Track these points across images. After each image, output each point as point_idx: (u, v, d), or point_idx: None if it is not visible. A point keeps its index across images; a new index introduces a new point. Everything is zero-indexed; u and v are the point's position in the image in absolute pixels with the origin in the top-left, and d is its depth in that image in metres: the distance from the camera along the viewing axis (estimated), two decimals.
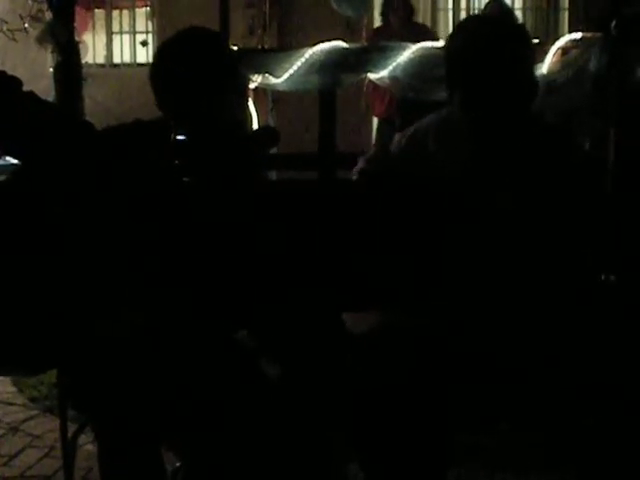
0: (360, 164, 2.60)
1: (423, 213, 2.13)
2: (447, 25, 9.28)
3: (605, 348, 2.20)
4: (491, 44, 2.23)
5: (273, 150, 2.41)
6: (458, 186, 2.18)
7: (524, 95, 2.26)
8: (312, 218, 2.14)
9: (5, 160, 2.36)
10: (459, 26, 2.45)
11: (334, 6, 7.08)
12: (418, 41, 5.63)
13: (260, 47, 8.38)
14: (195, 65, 2.26)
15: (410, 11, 7.14)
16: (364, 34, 7.77)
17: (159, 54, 2.34)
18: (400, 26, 6.89)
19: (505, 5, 6.64)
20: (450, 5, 9.36)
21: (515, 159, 2.23)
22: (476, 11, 9.15)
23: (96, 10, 10.38)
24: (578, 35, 5.55)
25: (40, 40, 4.65)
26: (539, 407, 2.20)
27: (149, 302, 2.12)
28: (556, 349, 2.16)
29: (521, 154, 2.24)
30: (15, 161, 2.20)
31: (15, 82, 2.16)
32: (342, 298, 2.18)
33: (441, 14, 9.59)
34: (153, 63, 2.32)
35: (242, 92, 2.46)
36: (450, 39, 2.35)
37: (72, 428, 2.82)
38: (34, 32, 5.13)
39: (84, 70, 4.37)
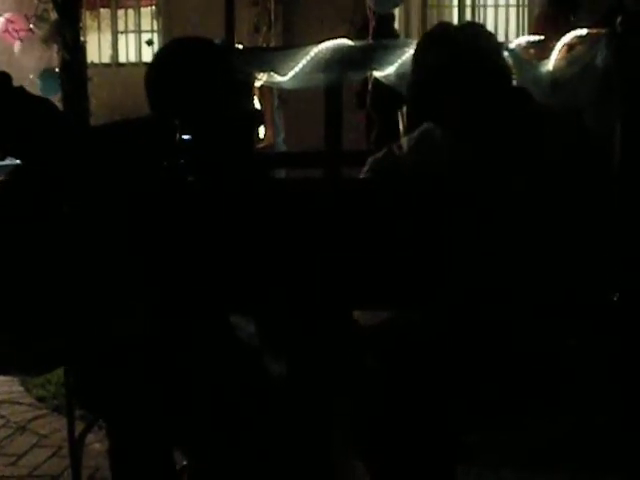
0: (369, 165, 2.60)
1: (432, 211, 2.13)
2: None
3: (609, 347, 2.20)
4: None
5: (281, 149, 2.41)
6: (462, 183, 2.18)
7: (491, 86, 2.30)
8: (320, 216, 2.14)
9: (12, 160, 2.35)
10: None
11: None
12: None
13: (265, 45, 8.38)
14: (196, 65, 2.27)
15: None
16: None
17: (157, 61, 2.36)
18: None
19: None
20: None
21: (503, 148, 2.24)
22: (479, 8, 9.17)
23: (101, 9, 10.40)
24: (584, 31, 5.52)
25: (46, 40, 4.66)
26: (544, 404, 2.21)
27: (151, 300, 2.12)
28: (564, 346, 2.16)
29: (509, 141, 2.25)
30: (18, 161, 2.20)
31: (4, 77, 2.14)
32: (351, 296, 2.18)
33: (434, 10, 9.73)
34: (151, 70, 2.34)
35: (246, 89, 2.46)
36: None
37: (79, 427, 2.83)
38: (40, 32, 5.13)
39: (90, 70, 4.37)
